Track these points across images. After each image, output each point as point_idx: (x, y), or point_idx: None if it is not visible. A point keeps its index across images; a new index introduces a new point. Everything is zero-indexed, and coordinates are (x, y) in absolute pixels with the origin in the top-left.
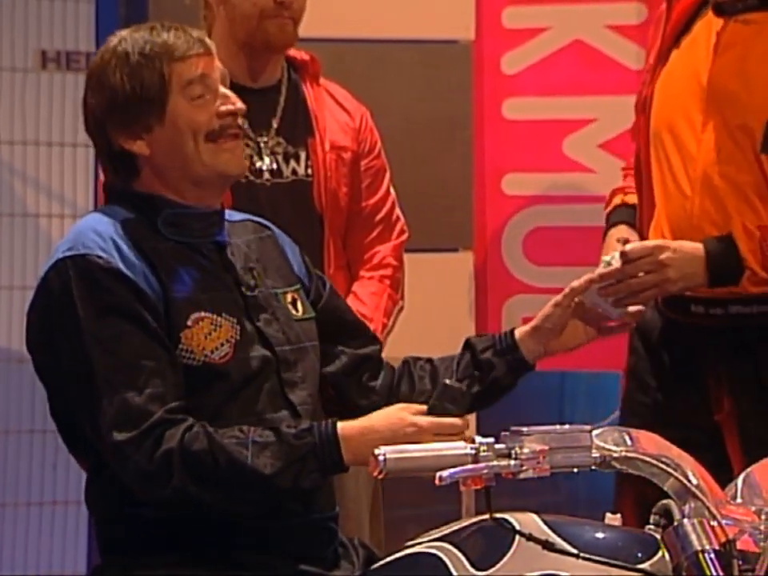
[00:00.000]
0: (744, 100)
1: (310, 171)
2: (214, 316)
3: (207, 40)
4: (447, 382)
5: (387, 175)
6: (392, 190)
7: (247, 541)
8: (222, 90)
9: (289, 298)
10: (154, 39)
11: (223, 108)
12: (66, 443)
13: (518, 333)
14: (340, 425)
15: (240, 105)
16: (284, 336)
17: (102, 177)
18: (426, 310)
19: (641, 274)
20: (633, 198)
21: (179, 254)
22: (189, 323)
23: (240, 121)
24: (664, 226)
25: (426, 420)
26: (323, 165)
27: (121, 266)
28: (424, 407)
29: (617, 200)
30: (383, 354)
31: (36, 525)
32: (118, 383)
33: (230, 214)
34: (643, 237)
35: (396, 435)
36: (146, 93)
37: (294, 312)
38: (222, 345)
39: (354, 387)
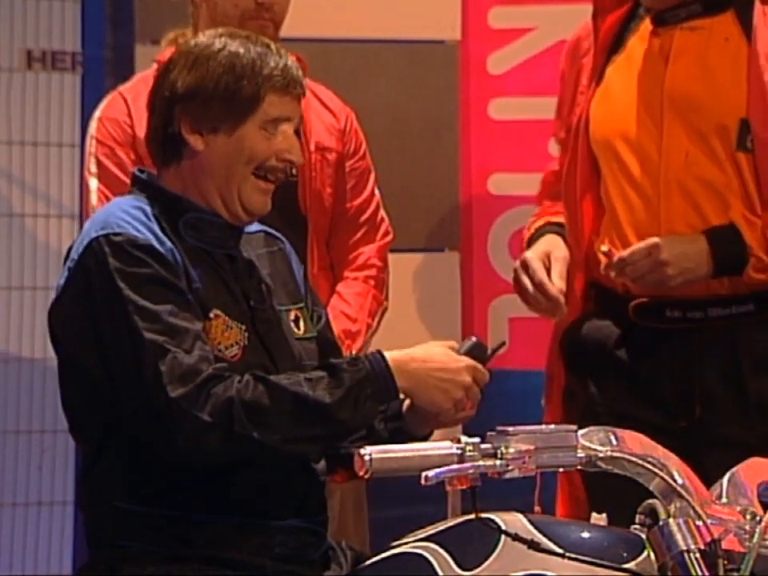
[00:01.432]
0: (710, 103)
1: (294, 172)
2: (227, 318)
3: (305, 82)
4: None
5: (372, 176)
6: (377, 191)
7: (237, 540)
8: (292, 135)
9: (292, 315)
10: (266, 59)
11: (286, 154)
12: (74, 431)
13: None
14: (388, 353)
15: (300, 159)
16: (287, 352)
17: (87, 177)
18: (412, 310)
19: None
20: (557, 218)
21: (196, 255)
22: (211, 315)
23: (289, 170)
24: (629, 233)
25: (462, 360)
26: (308, 166)
27: (154, 242)
28: (454, 343)
29: (539, 222)
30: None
31: (21, 525)
32: (167, 345)
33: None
34: (579, 249)
35: (445, 366)
36: (234, 100)
37: (295, 330)
38: (233, 345)
39: None
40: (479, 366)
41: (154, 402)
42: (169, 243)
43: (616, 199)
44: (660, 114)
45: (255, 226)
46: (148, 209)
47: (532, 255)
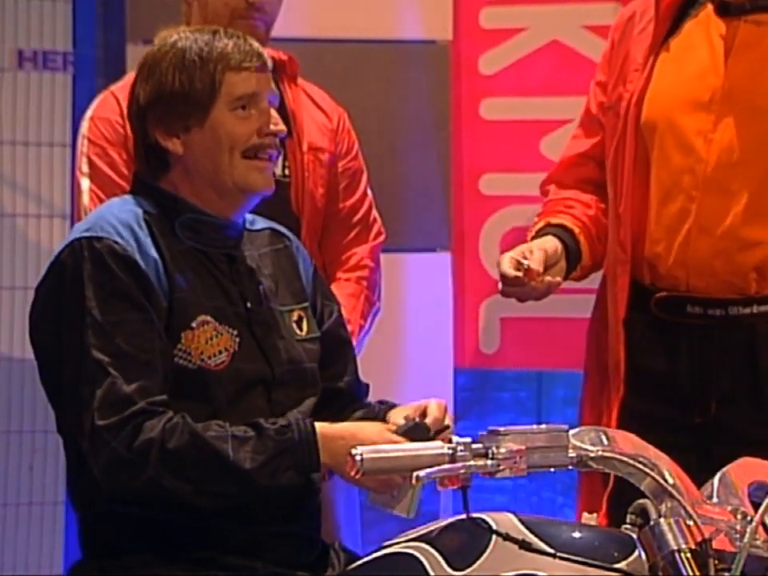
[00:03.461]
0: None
1: (287, 172)
2: (216, 323)
3: (265, 55)
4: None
5: (364, 177)
6: (369, 191)
7: (229, 544)
8: (267, 107)
9: (295, 316)
10: (213, 43)
11: (265, 128)
12: (60, 431)
13: None
14: (318, 425)
15: (282, 127)
16: (285, 355)
17: (78, 177)
18: (404, 310)
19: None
20: (557, 219)
21: (191, 258)
22: (193, 325)
23: (277, 142)
24: (654, 224)
25: (403, 441)
26: (300, 166)
27: (136, 255)
28: (401, 422)
29: (540, 224)
30: (359, 356)
31: (12, 526)
32: (110, 368)
33: (252, 221)
34: (635, 235)
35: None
36: (193, 93)
37: (297, 332)
38: (221, 352)
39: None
40: None
41: (83, 422)
42: (154, 252)
43: (657, 189)
44: (716, 108)
45: (262, 223)
46: (141, 212)
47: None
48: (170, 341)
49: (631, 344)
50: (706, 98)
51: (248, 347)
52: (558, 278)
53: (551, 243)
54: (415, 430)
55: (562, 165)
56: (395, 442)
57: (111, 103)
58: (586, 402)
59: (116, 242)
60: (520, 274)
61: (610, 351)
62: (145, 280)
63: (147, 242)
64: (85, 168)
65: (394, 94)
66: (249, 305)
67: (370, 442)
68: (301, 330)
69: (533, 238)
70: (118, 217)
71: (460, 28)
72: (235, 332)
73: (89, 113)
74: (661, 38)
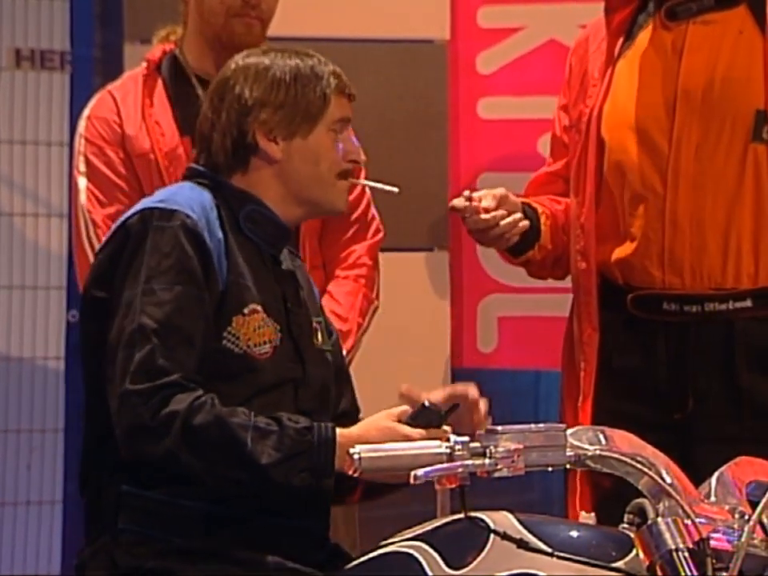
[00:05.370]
0: (725, 96)
1: None
2: (264, 315)
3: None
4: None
5: (363, 175)
6: (367, 189)
7: (242, 534)
8: (353, 136)
9: (317, 326)
10: (319, 66)
11: (354, 155)
12: (87, 408)
13: None
14: (339, 431)
15: (363, 158)
16: (315, 359)
17: (75, 176)
18: (402, 309)
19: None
20: (523, 199)
21: (249, 249)
22: (245, 311)
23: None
24: (633, 226)
25: (416, 432)
26: None
27: (205, 233)
28: (407, 408)
29: None
30: (357, 355)
31: (10, 525)
32: (153, 336)
33: None
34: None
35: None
36: (305, 105)
37: (315, 340)
38: (265, 343)
39: None
40: (428, 432)
41: (116, 381)
42: (220, 234)
43: (624, 193)
44: (673, 108)
45: None
46: (211, 197)
47: None
48: (221, 323)
49: (608, 343)
50: (664, 101)
51: (287, 345)
52: (518, 215)
53: (510, 196)
54: (423, 415)
55: (532, 184)
56: (404, 434)
57: (108, 102)
58: (565, 402)
59: (188, 216)
60: (467, 203)
61: (582, 355)
62: (208, 258)
63: (216, 223)
64: (82, 167)
65: (391, 93)
66: (289, 305)
67: (380, 440)
68: (317, 339)
69: None
70: (191, 196)
71: (457, 27)
72: (278, 327)
73: (86, 112)
74: (615, 52)
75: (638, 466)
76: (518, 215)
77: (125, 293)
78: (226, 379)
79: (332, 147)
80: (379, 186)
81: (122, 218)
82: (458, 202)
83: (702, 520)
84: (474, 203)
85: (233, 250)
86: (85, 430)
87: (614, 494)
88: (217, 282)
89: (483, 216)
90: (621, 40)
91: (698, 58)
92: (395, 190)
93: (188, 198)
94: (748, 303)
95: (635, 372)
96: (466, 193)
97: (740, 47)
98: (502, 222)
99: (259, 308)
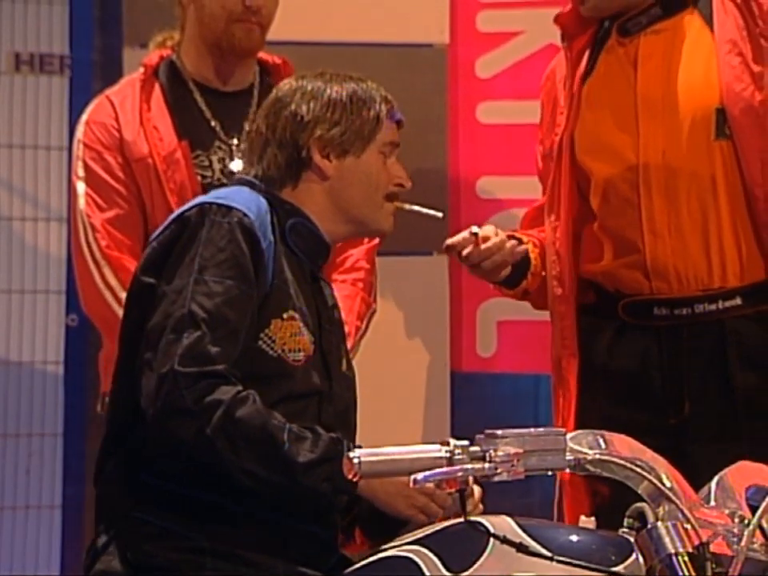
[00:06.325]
0: (684, 98)
1: None
2: (302, 324)
3: None
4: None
5: None
6: None
7: (254, 536)
8: (399, 160)
9: (342, 348)
10: (376, 90)
11: (400, 180)
12: (113, 395)
13: None
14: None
15: (409, 183)
16: (343, 378)
17: (74, 181)
18: (401, 313)
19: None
20: (509, 232)
21: (293, 260)
22: (284, 316)
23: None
24: (610, 237)
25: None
26: None
27: (259, 233)
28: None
29: None
30: (356, 359)
31: (9, 529)
32: (202, 324)
33: None
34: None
35: (406, 496)
36: (360, 125)
37: (342, 363)
38: (299, 351)
39: None
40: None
41: (159, 362)
42: (271, 236)
43: (602, 208)
44: (635, 119)
45: None
46: (266, 203)
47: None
48: (259, 323)
49: (602, 350)
50: (626, 113)
51: (318, 358)
52: (514, 241)
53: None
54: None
55: (524, 219)
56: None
57: (106, 107)
58: (555, 408)
59: (245, 215)
60: (467, 235)
61: (561, 381)
62: (259, 257)
63: (269, 227)
64: (80, 172)
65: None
66: (323, 322)
67: (402, 485)
68: (347, 366)
69: None
70: (249, 198)
71: (457, 31)
72: (313, 338)
73: (84, 116)
74: (578, 78)
75: (638, 470)
76: (514, 241)
77: (175, 281)
78: (257, 379)
79: (382, 169)
80: (424, 210)
81: (180, 210)
82: (454, 239)
83: (702, 524)
84: (473, 233)
85: (280, 256)
86: (108, 417)
87: (612, 500)
88: (264, 282)
89: (485, 245)
90: (583, 65)
91: (652, 66)
92: (439, 215)
93: (246, 200)
94: (738, 301)
95: (630, 377)
96: (474, 229)
97: (692, 50)
98: (507, 245)
99: (297, 316)
